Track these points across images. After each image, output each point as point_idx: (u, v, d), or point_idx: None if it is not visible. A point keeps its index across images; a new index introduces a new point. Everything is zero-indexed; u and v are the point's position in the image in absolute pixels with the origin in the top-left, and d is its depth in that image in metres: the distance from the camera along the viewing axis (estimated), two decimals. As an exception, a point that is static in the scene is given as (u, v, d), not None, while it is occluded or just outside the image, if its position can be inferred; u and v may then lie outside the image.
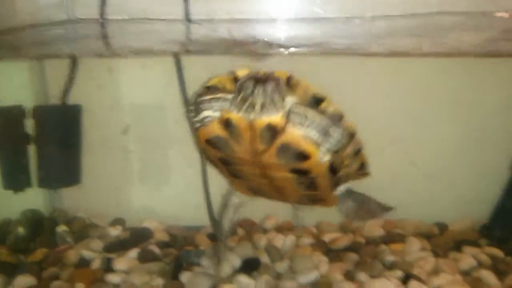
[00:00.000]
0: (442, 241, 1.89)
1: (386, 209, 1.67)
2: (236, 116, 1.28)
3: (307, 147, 1.28)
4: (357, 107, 1.95)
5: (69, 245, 1.86)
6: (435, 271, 1.65)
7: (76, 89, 1.99)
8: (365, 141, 1.87)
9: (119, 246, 1.84)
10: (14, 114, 1.96)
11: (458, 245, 1.84)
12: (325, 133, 1.29)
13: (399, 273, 1.61)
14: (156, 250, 1.81)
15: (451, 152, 2.04)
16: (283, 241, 1.84)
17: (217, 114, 1.33)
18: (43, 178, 1.99)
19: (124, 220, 2.06)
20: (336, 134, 1.31)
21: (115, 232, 1.96)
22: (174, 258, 1.75)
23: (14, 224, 1.97)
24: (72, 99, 2.00)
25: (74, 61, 1.95)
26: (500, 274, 1.63)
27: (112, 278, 1.64)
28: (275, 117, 1.26)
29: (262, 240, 1.84)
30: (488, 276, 1.61)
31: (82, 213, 2.06)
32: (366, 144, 1.82)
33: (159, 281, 1.61)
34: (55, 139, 1.96)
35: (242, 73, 1.33)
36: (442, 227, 2.00)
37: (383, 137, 2.00)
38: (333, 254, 1.78)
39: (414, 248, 1.80)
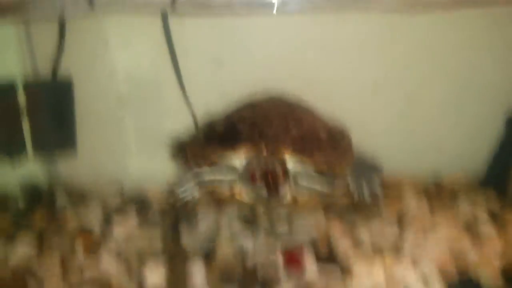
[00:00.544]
0: (438, 193, 1.90)
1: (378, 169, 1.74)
2: None
3: None
4: (350, 63, 2.00)
5: (69, 215, 1.87)
6: (432, 223, 1.65)
7: (67, 57, 1.97)
8: (357, 93, 1.93)
9: (118, 213, 1.84)
10: (5, 89, 1.95)
11: (454, 197, 1.85)
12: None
13: (395, 223, 1.62)
14: (155, 214, 1.83)
15: (445, 106, 2.04)
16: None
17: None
18: (39, 152, 1.99)
19: (122, 188, 2.07)
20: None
21: (114, 200, 1.97)
22: (172, 220, 1.76)
23: (13, 197, 1.99)
24: (63, 67, 1.98)
25: (62, 27, 1.93)
26: (497, 224, 1.65)
27: (112, 242, 1.66)
28: None
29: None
30: (484, 227, 1.63)
31: (80, 184, 2.06)
32: (355, 96, 1.90)
33: (159, 243, 1.63)
34: (47, 114, 1.96)
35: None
36: (438, 180, 2.01)
37: (377, 90, 2.01)
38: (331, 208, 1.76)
39: (410, 201, 1.81)
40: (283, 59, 1.97)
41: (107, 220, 1.82)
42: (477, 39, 1.97)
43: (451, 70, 2.00)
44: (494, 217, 1.74)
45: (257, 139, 1.48)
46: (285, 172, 1.40)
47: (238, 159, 1.50)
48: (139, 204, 1.93)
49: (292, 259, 1.37)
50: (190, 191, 1.56)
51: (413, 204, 1.81)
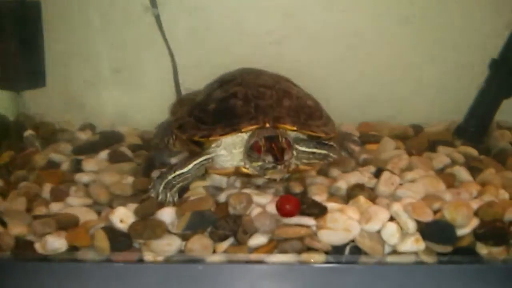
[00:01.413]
0: (417, 141, 1.89)
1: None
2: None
3: None
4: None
5: (37, 148, 1.82)
6: (409, 168, 1.64)
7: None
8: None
9: (88, 149, 1.80)
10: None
11: (432, 145, 1.84)
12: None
13: (372, 168, 1.60)
14: (128, 152, 1.78)
15: (426, 53, 2.00)
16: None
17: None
18: (5, 80, 1.89)
19: (94, 125, 2.01)
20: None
21: (84, 136, 1.91)
22: (146, 157, 1.72)
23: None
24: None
25: None
26: (474, 171, 1.63)
27: (81, 177, 1.61)
28: None
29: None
30: (461, 172, 1.61)
31: (49, 118, 2.00)
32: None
33: (130, 179, 1.58)
34: (13, 38, 1.85)
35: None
36: (418, 129, 1.99)
37: (355, 39, 1.97)
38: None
39: (388, 147, 1.79)
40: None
41: (77, 155, 1.77)
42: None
43: (431, 15, 1.96)
44: (471, 161, 1.73)
45: (254, 113, 1.46)
46: (288, 141, 1.41)
47: (239, 137, 1.48)
48: (111, 139, 1.87)
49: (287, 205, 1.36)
50: (167, 192, 1.48)
51: (390, 147, 1.80)
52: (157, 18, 1.92)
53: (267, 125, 1.43)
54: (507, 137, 1.89)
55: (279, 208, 1.33)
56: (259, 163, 1.38)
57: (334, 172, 1.60)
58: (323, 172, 1.62)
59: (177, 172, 1.47)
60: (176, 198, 1.46)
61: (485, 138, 1.89)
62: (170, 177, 1.46)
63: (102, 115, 2.03)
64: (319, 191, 1.47)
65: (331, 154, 1.56)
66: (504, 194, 1.48)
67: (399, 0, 1.95)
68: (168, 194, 1.46)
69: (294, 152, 1.45)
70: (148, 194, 1.47)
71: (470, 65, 1.99)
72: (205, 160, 1.50)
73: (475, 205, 1.37)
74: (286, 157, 1.35)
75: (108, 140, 1.86)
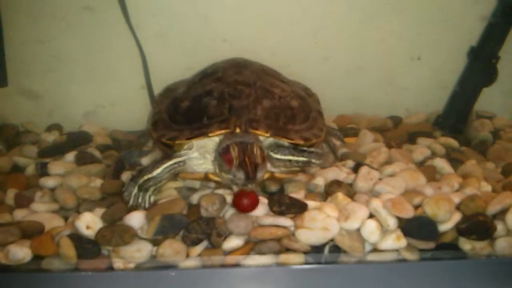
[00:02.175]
0: (396, 134, 1.86)
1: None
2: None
3: None
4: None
5: (0, 152, 1.74)
6: (388, 161, 1.61)
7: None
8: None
9: (55, 151, 1.72)
10: None
11: (412, 137, 1.82)
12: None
13: (350, 163, 1.57)
14: (96, 153, 1.71)
15: (405, 45, 1.96)
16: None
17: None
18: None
19: (61, 126, 1.93)
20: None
21: (51, 137, 1.83)
22: (116, 159, 1.65)
23: None
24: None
25: None
26: (454, 162, 1.61)
27: (47, 181, 1.54)
28: None
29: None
30: (442, 164, 1.59)
31: (13, 119, 1.91)
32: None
33: (98, 182, 1.52)
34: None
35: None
36: (397, 121, 1.96)
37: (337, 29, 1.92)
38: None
39: (367, 140, 1.76)
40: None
41: (42, 157, 1.69)
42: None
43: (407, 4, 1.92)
44: (451, 153, 1.71)
45: (226, 115, 1.38)
46: (262, 152, 1.31)
47: (212, 141, 1.40)
48: (79, 139, 1.80)
49: (245, 200, 1.30)
50: (141, 195, 1.41)
51: (369, 140, 1.76)
52: (126, 15, 1.84)
53: (238, 130, 1.35)
54: (487, 126, 1.87)
55: (236, 204, 1.28)
56: (229, 176, 1.30)
57: (311, 168, 1.55)
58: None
59: (146, 177, 1.40)
60: (152, 200, 1.40)
61: (465, 128, 1.87)
62: (141, 181, 1.40)
63: (70, 114, 1.95)
64: (297, 188, 1.43)
65: (312, 161, 1.42)
66: (486, 186, 1.46)
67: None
68: (140, 198, 1.39)
69: (268, 165, 1.37)
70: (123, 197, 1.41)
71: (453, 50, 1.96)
72: (175, 163, 1.42)
73: (457, 199, 1.33)
74: (259, 174, 1.28)
75: (76, 141, 1.78)
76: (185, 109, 1.46)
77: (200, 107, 1.43)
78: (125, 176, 1.54)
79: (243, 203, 1.28)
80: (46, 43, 1.87)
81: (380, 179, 1.45)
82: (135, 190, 1.40)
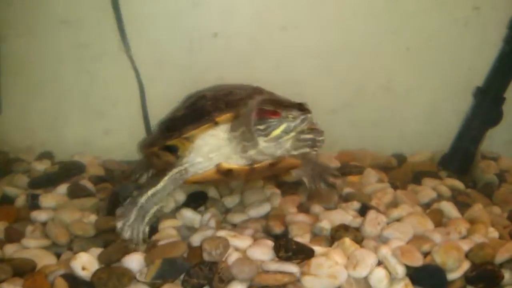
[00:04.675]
0: (401, 173, 1.87)
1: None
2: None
3: None
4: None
5: (-11, 181, 1.72)
6: (394, 203, 1.62)
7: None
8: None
9: (46, 182, 1.71)
10: None
11: (417, 177, 1.83)
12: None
13: (356, 204, 1.57)
14: (89, 185, 1.70)
15: (409, 82, 1.99)
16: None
17: None
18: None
19: (53, 155, 1.92)
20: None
21: (42, 166, 1.82)
22: (110, 193, 1.63)
23: None
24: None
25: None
26: (461, 206, 1.62)
27: (38, 215, 1.51)
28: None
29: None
30: (449, 208, 1.59)
31: (4, 147, 1.90)
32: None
33: (92, 217, 1.49)
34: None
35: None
36: (401, 159, 1.97)
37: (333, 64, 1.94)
38: (286, 186, 1.71)
39: (372, 180, 1.76)
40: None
41: (33, 188, 1.68)
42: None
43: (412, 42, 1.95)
44: (457, 195, 1.72)
45: (224, 108, 1.40)
46: None
47: (214, 138, 1.41)
48: (71, 170, 1.79)
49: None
50: (137, 226, 1.38)
51: (373, 180, 1.77)
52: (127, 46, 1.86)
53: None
54: (493, 168, 1.89)
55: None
56: (282, 126, 1.29)
57: (316, 208, 1.55)
58: (304, 209, 1.57)
59: (150, 192, 1.38)
60: (147, 231, 1.38)
61: (470, 169, 1.89)
62: (142, 200, 1.37)
63: (62, 142, 1.93)
64: (301, 231, 1.42)
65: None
66: (493, 233, 1.47)
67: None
68: (135, 231, 1.36)
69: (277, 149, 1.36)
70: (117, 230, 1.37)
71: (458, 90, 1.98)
72: (177, 172, 1.41)
73: (465, 246, 1.34)
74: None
75: (68, 171, 1.77)
76: (181, 116, 1.48)
77: (196, 109, 1.45)
78: (121, 211, 1.51)
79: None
80: (39, 71, 1.87)
81: (387, 223, 1.45)
82: (132, 217, 1.37)
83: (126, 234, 1.37)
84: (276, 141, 1.32)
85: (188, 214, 1.49)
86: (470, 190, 1.77)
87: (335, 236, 1.38)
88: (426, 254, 1.32)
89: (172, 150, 1.45)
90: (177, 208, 1.54)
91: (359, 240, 1.37)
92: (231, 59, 1.89)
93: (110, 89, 1.92)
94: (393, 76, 1.98)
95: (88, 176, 1.77)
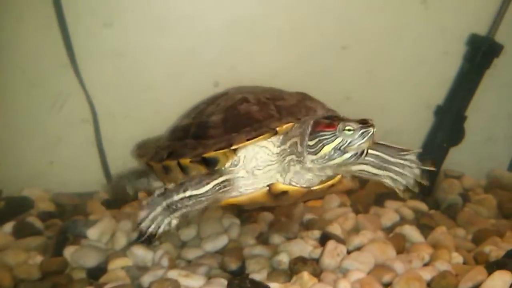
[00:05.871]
0: (363, 195, 1.85)
1: None
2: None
3: None
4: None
5: None
6: (356, 229, 1.59)
7: None
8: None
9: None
10: None
11: (380, 199, 1.80)
12: None
13: (316, 233, 1.53)
14: (37, 222, 1.62)
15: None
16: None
17: None
18: None
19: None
20: None
21: (-14, 203, 1.74)
22: (58, 230, 1.57)
23: None
24: None
25: None
26: (424, 229, 1.60)
27: (-21, 259, 1.44)
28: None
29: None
30: (411, 232, 1.57)
31: None
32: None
33: (38, 259, 1.42)
34: None
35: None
36: (363, 181, 1.94)
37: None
38: (246, 215, 1.67)
39: (333, 204, 1.74)
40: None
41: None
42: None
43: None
44: (420, 218, 1.70)
45: (278, 116, 1.23)
46: None
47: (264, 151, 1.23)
48: (18, 206, 1.71)
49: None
50: (160, 220, 1.22)
51: (335, 204, 1.74)
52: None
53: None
54: (456, 187, 1.88)
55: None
56: (339, 140, 1.11)
57: (275, 238, 1.51)
58: (263, 239, 1.53)
59: (189, 193, 1.20)
60: (173, 225, 1.23)
61: (433, 189, 1.87)
62: (176, 198, 1.20)
63: (10, 175, 1.85)
64: (259, 266, 1.37)
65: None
66: (457, 258, 1.45)
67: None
68: (162, 226, 1.22)
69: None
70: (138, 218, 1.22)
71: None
72: (224, 181, 1.23)
73: (428, 275, 1.31)
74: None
75: (15, 208, 1.69)
76: (220, 121, 1.27)
77: (240, 114, 1.26)
78: (69, 251, 1.45)
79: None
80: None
81: (348, 252, 1.41)
82: (159, 210, 1.21)
83: (145, 226, 1.23)
84: (325, 162, 1.16)
85: (140, 252, 1.41)
86: (433, 212, 1.76)
87: (293, 269, 1.33)
88: (387, 286, 1.28)
89: (209, 163, 1.25)
90: (128, 245, 1.48)
91: (317, 273, 1.32)
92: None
93: (60, 115, 1.86)
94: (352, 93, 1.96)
95: (36, 212, 1.70)
